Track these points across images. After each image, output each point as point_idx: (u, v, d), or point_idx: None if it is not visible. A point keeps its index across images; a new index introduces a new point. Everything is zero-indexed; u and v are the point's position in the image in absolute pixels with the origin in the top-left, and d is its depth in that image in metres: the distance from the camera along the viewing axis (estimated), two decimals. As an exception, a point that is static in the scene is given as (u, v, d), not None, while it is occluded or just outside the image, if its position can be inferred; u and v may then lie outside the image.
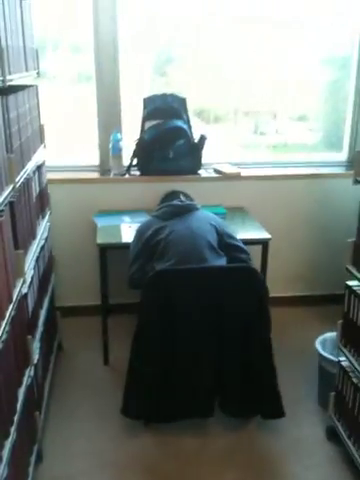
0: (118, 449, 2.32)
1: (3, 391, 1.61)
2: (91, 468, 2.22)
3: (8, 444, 1.65)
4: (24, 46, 2.14)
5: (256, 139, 3.75)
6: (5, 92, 1.77)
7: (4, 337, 1.61)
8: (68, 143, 3.42)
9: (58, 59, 3.34)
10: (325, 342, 2.58)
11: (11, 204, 1.80)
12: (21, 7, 2.11)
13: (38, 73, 2.47)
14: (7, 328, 1.65)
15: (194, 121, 3.33)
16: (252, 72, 3.47)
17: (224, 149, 3.69)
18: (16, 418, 1.77)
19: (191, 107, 3.28)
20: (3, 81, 1.71)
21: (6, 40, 1.78)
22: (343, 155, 3.63)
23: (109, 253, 2.78)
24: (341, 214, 3.38)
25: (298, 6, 3.30)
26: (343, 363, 2.22)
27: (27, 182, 2.10)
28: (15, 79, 1.93)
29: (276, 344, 2.33)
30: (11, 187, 1.76)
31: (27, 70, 2.20)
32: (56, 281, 2.98)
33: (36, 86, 2.47)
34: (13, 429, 1.72)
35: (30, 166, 2.19)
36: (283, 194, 3.40)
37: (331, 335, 2.55)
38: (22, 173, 1.99)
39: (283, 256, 3.45)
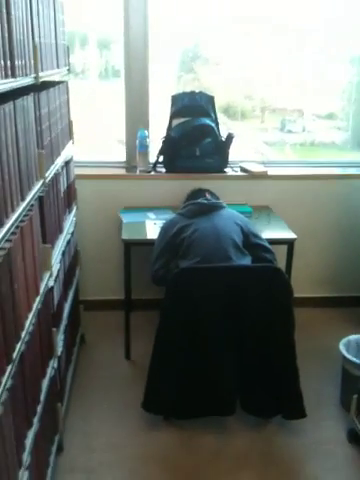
0: (137, 443, 2.35)
1: (28, 381, 1.64)
2: (110, 461, 2.25)
3: (31, 433, 1.68)
4: (56, 43, 2.17)
5: (283, 137, 3.73)
6: (37, 89, 1.80)
7: (31, 329, 1.65)
8: (95, 139, 3.46)
9: (86, 54, 3.37)
10: (349, 344, 2.57)
11: (40, 199, 1.83)
12: (54, 4, 2.13)
13: (69, 70, 2.50)
14: (34, 320, 1.69)
15: (220, 118, 3.33)
16: (280, 68, 3.46)
17: (250, 146, 3.68)
18: (39, 408, 1.80)
19: (218, 103, 3.28)
20: (36, 78, 1.73)
21: (39, 38, 1.81)
22: (371, 155, 3.60)
23: (133, 249, 2.80)
24: (368, 215, 3.36)
25: (329, 5, 3.28)
26: (366, 366, 2.21)
27: (56, 177, 2.14)
28: (46, 76, 1.95)
29: (299, 345, 2.32)
30: (41, 182, 1.80)
31: (58, 67, 2.23)
32: (80, 275, 3.02)
33: (66, 82, 2.50)
34: (36, 419, 1.76)
35: (59, 162, 2.23)
36: (310, 194, 3.38)
37: (355, 337, 2.55)
38: (51, 168, 2.02)
39: (308, 256, 3.43)
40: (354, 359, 2.42)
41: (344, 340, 2.57)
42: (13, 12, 1.47)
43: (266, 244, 2.55)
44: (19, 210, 1.51)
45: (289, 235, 2.82)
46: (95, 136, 3.46)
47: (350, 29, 3.39)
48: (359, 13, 3.34)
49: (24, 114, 1.60)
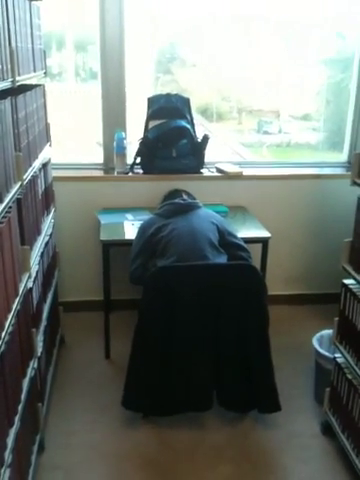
0: (117, 441, 2.38)
1: (9, 381, 1.67)
2: (91, 458, 2.29)
3: (12, 432, 1.71)
4: (32, 47, 2.20)
5: (260, 138, 3.80)
6: (14, 92, 1.83)
7: (10, 329, 1.67)
8: (73, 141, 3.48)
9: (62, 56, 3.38)
10: (322, 339, 2.64)
11: (18, 201, 1.86)
12: (30, 10, 2.16)
13: (45, 73, 2.53)
14: (13, 321, 1.71)
15: (198, 119, 3.37)
16: (256, 70, 3.52)
17: (227, 148, 3.74)
18: (20, 408, 1.83)
19: (195, 105, 3.32)
20: (13, 82, 1.76)
21: (16, 42, 1.84)
22: (344, 156, 3.68)
23: (112, 250, 2.84)
24: (340, 214, 3.43)
25: (304, 6, 3.36)
26: (338, 359, 2.28)
27: (33, 179, 2.16)
28: (23, 80, 1.98)
29: (274, 341, 2.39)
30: (19, 184, 1.83)
31: (35, 70, 2.26)
32: (59, 277, 3.04)
33: (43, 86, 2.53)
34: (17, 418, 1.78)
35: (36, 164, 2.25)
36: (284, 194, 3.46)
37: (328, 332, 2.61)
38: (29, 171, 2.05)
39: (282, 255, 3.51)
40: (327, 353, 2.50)
41: (317, 335, 2.64)
42: (-10, 18, 1.50)
43: (241, 243, 2.61)
44: (-3, 212, 1.54)
45: (264, 234, 2.89)
46: (73, 138, 3.48)
47: (324, 31, 3.48)
48: (334, 16, 3.43)
49: (1, 117, 1.62)
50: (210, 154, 3.36)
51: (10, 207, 1.71)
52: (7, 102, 1.70)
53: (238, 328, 2.32)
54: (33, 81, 2.31)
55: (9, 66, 1.74)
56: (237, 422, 2.50)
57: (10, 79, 1.75)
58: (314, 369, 2.67)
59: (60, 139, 3.07)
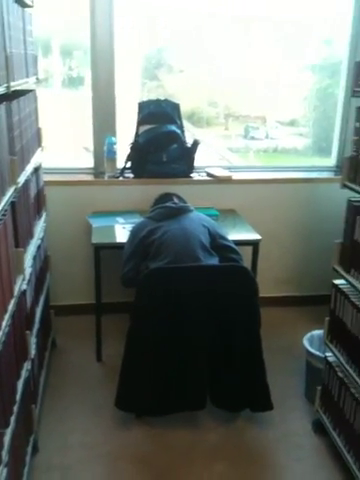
0: (111, 441, 2.40)
1: (4, 382, 1.68)
2: (85, 459, 2.30)
3: (8, 433, 1.73)
4: (25, 53, 2.23)
5: (246, 143, 3.84)
6: (8, 98, 1.85)
7: (6, 330, 1.69)
8: (62, 146, 3.50)
9: (49, 62, 3.40)
10: (312, 339, 2.68)
11: (13, 204, 1.88)
12: (23, 16, 2.19)
13: (37, 78, 2.56)
14: (9, 322, 1.73)
15: (184, 124, 3.41)
16: (243, 76, 3.57)
17: (214, 153, 3.78)
18: (15, 408, 1.84)
19: (181, 110, 3.35)
20: (7, 88, 1.79)
21: (10, 48, 1.87)
22: (332, 160, 3.75)
23: (103, 253, 2.86)
24: (329, 217, 3.49)
25: (290, 12, 3.42)
26: (329, 358, 2.32)
27: (26, 183, 2.18)
28: (17, 85, 2.01)
29: (266, 342, 2.42)
30: (13, 188, 1.85)
31: (28, 76, 2.29)
32: (51, 280, 3.05)
33: (35, 91, 2.55)
34: (13, 419, 1.80)
35: (29, 168, 2.28)
36: (273, 197, 3.51)
37: (318, 332, 2.66)
38: (22, 175, 2.07)
39: (273, 257, 3.55)
40: (317, 353, 2.54)
41: (308, 335, 2.69)
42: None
43: (232, 245, 2.65)
44: (-6, 215, 1.56)
45: (254, 236, 2.93)
46: (60, 143, 3.48)
47: (311, 37, 3.55)
48: (320, 21, 3.50)
49: (-3, 122, 1.65)
50: (198, 159, 3.40)
51: (6, 210, 1.73)
52: (2, 107, 1.73)
53: (230, 328, 2.35)
54: (25, 86, 2.33)
55: (4, 72, 1.77)
56: (231, 422, 2.53)
57: (5, 85, 1.78)
58: (305, 369, 2.71)
59: (47, 144, 3.07)
